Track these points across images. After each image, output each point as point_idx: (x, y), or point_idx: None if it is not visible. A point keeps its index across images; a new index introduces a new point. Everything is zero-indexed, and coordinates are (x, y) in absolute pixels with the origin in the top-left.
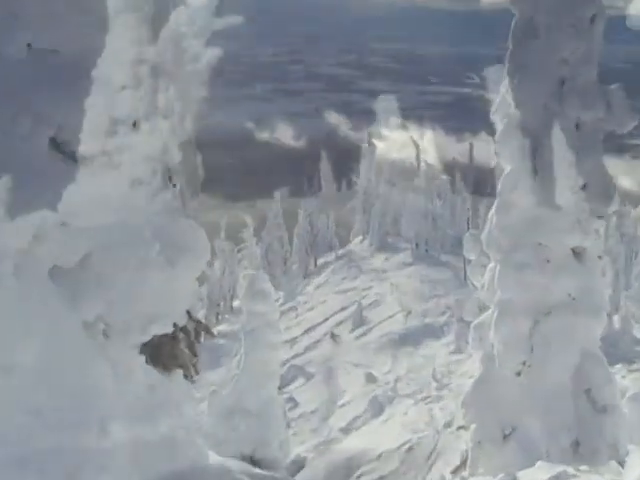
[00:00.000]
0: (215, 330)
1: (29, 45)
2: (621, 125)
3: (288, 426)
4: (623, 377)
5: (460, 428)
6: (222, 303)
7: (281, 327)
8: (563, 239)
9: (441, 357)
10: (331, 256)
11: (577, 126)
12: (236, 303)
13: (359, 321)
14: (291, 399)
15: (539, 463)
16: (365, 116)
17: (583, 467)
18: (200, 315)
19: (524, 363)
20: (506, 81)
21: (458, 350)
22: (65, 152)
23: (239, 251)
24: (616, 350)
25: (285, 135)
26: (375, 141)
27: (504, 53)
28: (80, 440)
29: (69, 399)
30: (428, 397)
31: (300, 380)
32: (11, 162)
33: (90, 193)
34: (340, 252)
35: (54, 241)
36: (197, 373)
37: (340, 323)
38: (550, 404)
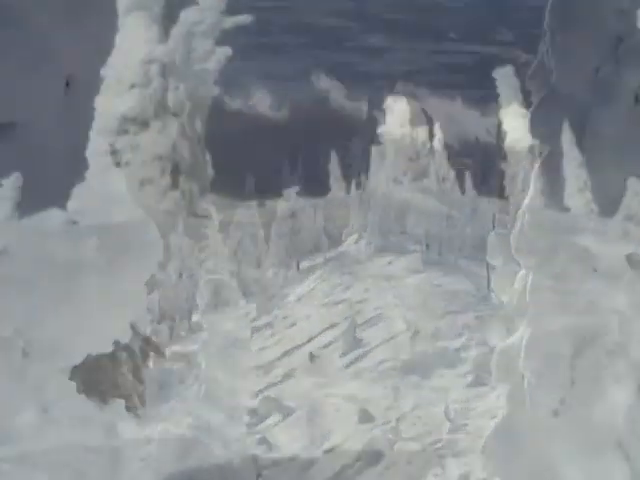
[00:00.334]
0: (167, 351)
1: None
2: None
3: (259, 477)
4: None
5: None
6: (177, 316)
7: (253, 348)
8: (615, 244)
9: (456, 391)
10: (318, 259)
11: (637, 98)
12: (195, 317)
13: (352, 343)
14: (264, 441)
15: None
16: (364, 81)
17: None
18: (148, 331)
19: (562, 401)
20: (547, 37)
21: (478, 382)
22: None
23: (201, 250)
24: None
25: (262, 103)
26: (376, 113)
27: (544, 3)
28: None
29: None
30: (439, 441)
31: (276, 416)
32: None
33: None
34: (330, 254)
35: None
36: (143, 405)
37: (328, 345)
38: (596, 453)
